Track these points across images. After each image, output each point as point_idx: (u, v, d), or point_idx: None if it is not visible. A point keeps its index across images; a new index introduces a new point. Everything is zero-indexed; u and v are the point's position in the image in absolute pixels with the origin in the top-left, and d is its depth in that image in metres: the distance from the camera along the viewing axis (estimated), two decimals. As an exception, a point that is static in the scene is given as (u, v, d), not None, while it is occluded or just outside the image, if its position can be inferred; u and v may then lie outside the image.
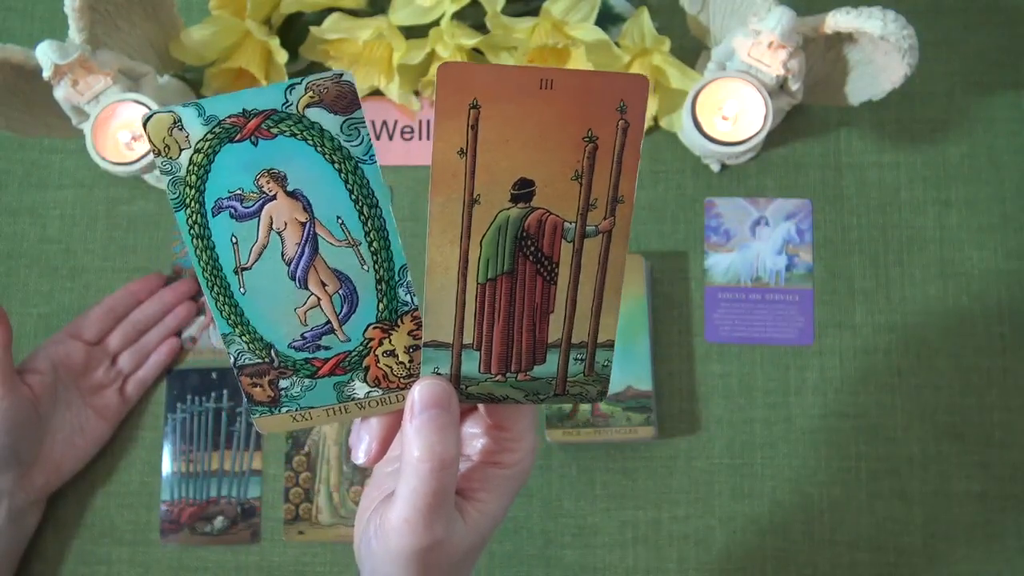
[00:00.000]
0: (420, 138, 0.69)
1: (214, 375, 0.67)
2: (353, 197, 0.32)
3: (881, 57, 0.57)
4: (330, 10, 0.66)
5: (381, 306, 0.34)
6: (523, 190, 0.32)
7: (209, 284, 0.33)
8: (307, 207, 0.32)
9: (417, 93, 0.69)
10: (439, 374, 0.34)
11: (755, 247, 0.66)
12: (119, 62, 0.61)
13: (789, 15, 0.55)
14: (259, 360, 0.34)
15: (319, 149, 0.31)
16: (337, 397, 0.35)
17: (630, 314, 0.62)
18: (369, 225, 0.32)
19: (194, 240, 0.32)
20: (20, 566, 0.63)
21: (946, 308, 0.65)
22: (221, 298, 0.33)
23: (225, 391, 0.66)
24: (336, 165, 0.32)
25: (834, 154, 0.67)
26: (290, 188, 0.32)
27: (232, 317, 0.33)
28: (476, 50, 0.66)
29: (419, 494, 0.33)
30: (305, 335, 0.34)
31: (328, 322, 0.33)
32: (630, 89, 0.31)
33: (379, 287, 0.33)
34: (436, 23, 0.65)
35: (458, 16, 0.65)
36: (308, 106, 0.31)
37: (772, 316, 0.65)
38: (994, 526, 0.62)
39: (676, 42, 0.65)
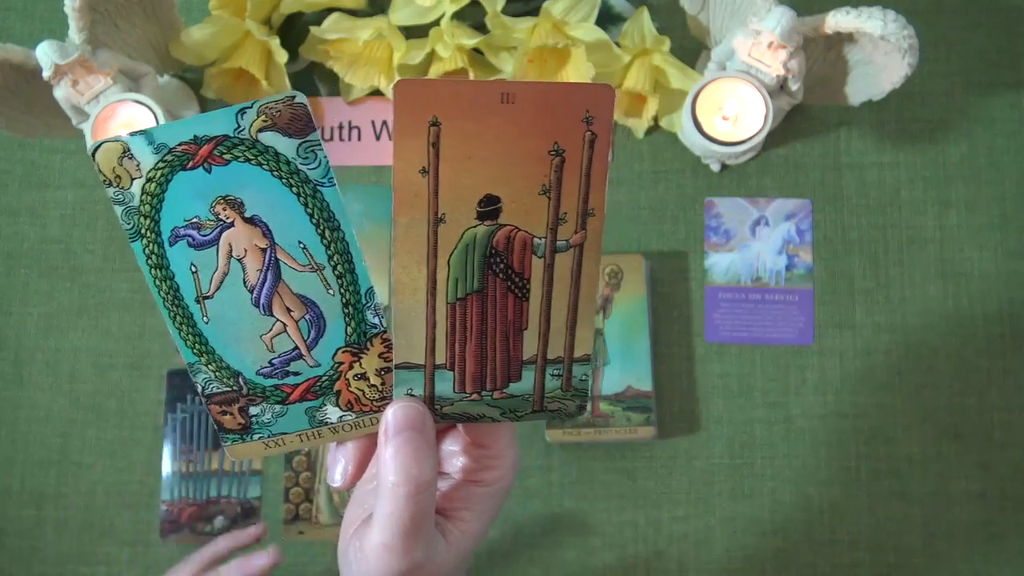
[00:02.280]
0: (420, 138, 0.69)
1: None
2: (314, 221, 0.31)
3: (881, 57, 0.57)
4: (330, 10, 0.66)
5: (349, 329, 0.33)
6: (489, 207, 0.31)
7: (171, 314, 0.32)
8: (267, 233, 0.31)
9: (417, 93, 0.69)
10: (412, 395, 0.34)
11: (755, 247, 0.66)
12: (119, 62, 0.61)
13: (789, 15, 0.55)
14: (227, 388, 0.33)
15: (275, 174, 0.31)
16: (309, 422, 0.34)
17: (630, 314, 0.62)
18: (332, 249, 0.32)
19: (152, 270, 0.31)
20: (20, 566, 0.63)
21: (946, 308, 0.65)
22: (184, 328, 0.32)
23: None
24: (294, 189, 0.31)
25: (834, 154, 0.67)
26: (248, 214, 0.31)
27: (197, 346, 0.32)
28: (476, 50, 0.66)
29: (396, 518, 0.32)
30: (273, 362, 0.33)
31: (295, 348, 0.33)
32: (595, 99, 0.30)
33: (346, 311, 0.33)
34: (436, 23, 0.65)
35: (458, 16, 0.65)
36: (261, 130, 0.30)
37: (772, 316, 0.65)
38: (994, 526, 0.62)
39: (676, 42, 0.65)
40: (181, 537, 0.65)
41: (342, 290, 0.33)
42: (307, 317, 0.33)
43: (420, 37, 0.66)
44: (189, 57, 0.66)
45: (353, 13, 0.67)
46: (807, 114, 0.67)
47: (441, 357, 0.33)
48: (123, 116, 0.61)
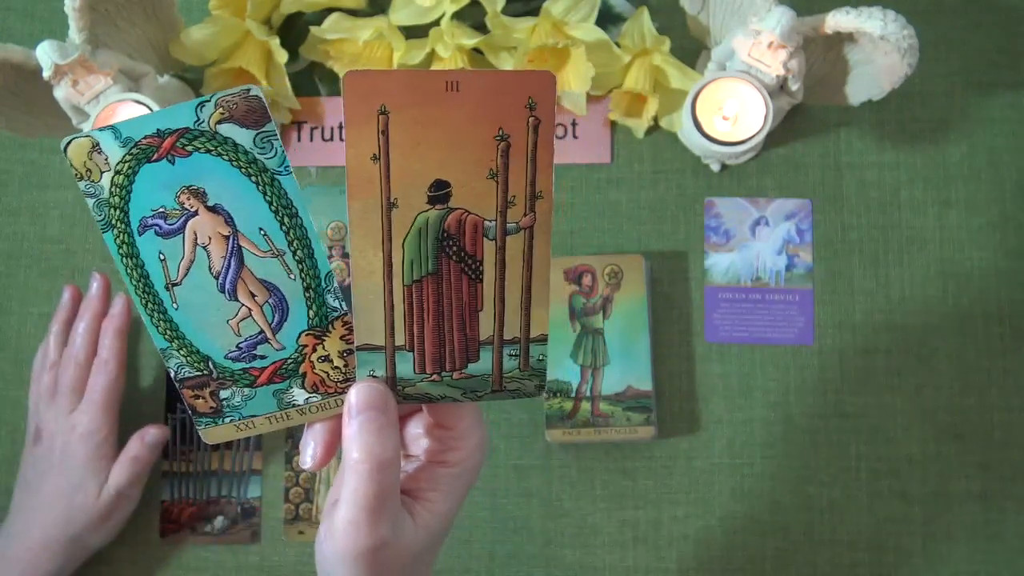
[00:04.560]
0: (420, 138, 0.69)
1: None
2: (273, 208, 0.33)
3: (881, 57, 0.57)
4: (330, 10, 0.66)
5: (311, 313, 0.34)
6: (439, 191, 0.33)
7: (143, 301, 0.33)
8: (229, 220, 0.33)
9: (417, 93, 0.69)
10: (375, 377, 0.35)
11: (755, 247, 0.66)
12: (119, 62, 0.61)
13: (789, 15, 0.55)
14: (198, 372, 0.35)
15: (235, 164, 0.32)
16: (278, 404, 0.36)
17: (630, 314, 0.62)
18: (291, 235, 0.33)
19: (124, 259, 0.33)
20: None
21: (946, 308, 0.65)
22: (156, 314, 0.34)
23: None
24: (253, 178, 0.32)
25: (834, 154, 0.67)
26: (211, 203, 0.32)
27: (168, 332, 0.34)
28: (476, 50, 0.66)
29: (360, 495, 0.33)
30: (240, 346, 0.34)
31: (261, 332, 0.34)
32: (537, 86, 0.31)
33: (307, 295, 0.34)
34: (436, 23, 0.65)
35: (458, 16, 0.65)
36: (219, 122, 0.32)
37: (772, 316, 0.65)
38: (994, 526, 0.62)
39: (676, 42, 0.65)
40: (181, 537, 0.65)
41: (302, 275, 0.34)
42: (270, 301, 0.34)
43: (420, 37, 0.66)
44: (189, 57, 0.66)
45: (353, 13, 0.67)
46: (807, 114, 0.67)
47: (401, 339, 0.35)
48: (123, 116, 0.61)
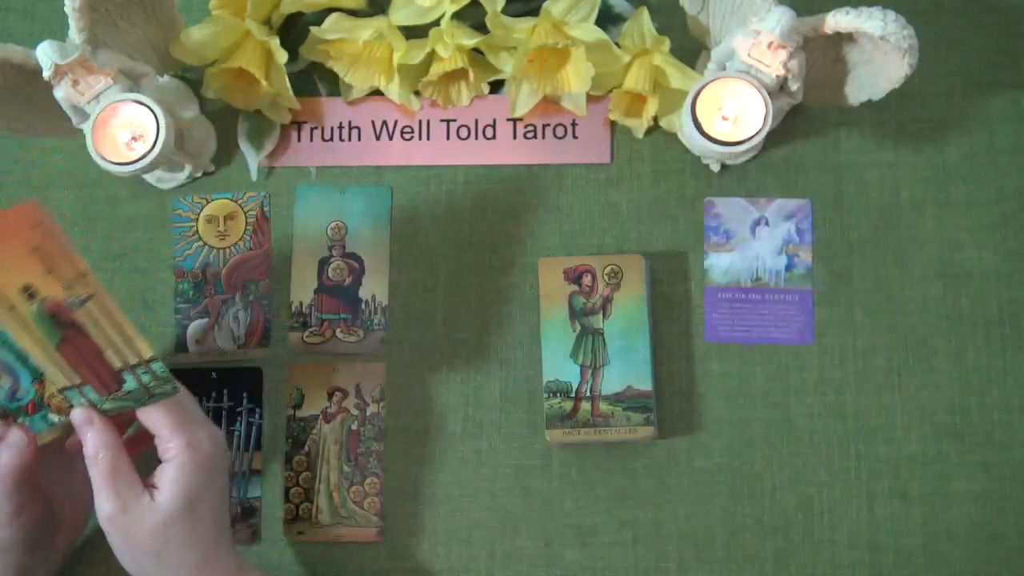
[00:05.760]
0: (420, 138, 0.69)
1: (214, 375, 0.67)
2: None
3: (881, 57, 0.57)
4: (330, 10, 0.66)
5: (31, 370, 0.56)
6: (28, 292, 0.48)
7: None
8: None
9: (417, 93, 0.69)
10: (82, 404, 0.53)
11: (755, 247, 0.66)
12: (119, 62, 0.61)
13: (789, 15, 0.55)
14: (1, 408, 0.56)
15: None
16: (47, 423, 0.56)
17: (630, 314, 0.62)
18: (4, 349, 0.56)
19: None
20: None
21: (946, 308, 0.65)
22: None
23: (225, 391, 0.66)
24: None
25: (834, 154, 0.67)
26: None
27: None
28: (476, 50, 0.66)
29: (98, 473, 0.52)
30: (8, 395, 0.56)
31: (12, 385, 0.57)
32: (22, 220, 0.47)
33: (24, 363, 0.56)
34: (436, 23, 0.65)
35: (458, 16, 0.65)
36: None
37: (772, 316, 0.65)
38: (994, 526, 0.62)
39: (676, 42, 0.65)
40: (181, 537, 0.65)
41: (15, 355, 0.57)
42: (7, 371, 0.57)
43: (420, 37, 0.66)
44: (189, 57, 0.66)
45: (353, 13, 0.67)
46: (807, 114, 0.67)
47: (77, 379, 0.52)
48: (123, 116, 0.61)
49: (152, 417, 0.53)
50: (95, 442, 0.52)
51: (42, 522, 0.57)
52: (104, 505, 0.52)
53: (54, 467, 0.59)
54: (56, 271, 0.49)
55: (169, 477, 0.52)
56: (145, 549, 0.52)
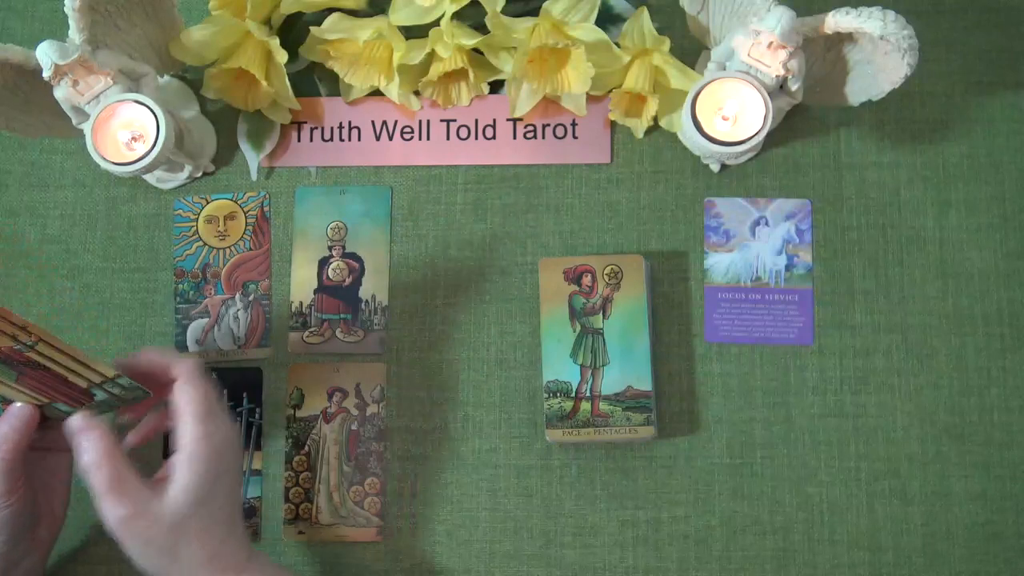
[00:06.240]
0: (420, 138, 0.69)
1: (214, 375, 0.67)
2: None
3: (881, 57, 0.57)
4: (330, 10, 0.66)
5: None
6: None
7: None
8: None
9: (417, 93, 0.69)
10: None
11: (755, 247, 0.66)
12: (119, 62, 0.61)
13: (789, 15, 0.55)
14: None
15: None
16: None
17: (630, 314, 0.62)
18: None
19: None
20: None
21: (946, 308, 0.65)
22: None
23: (224, 391, 0.66)
24: None
25: (834, 154, 0.67)
26: None
27: None
28: (476, 50, 0.66)
29: (102, 480, 0.51)
30: None
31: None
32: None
33: None
34: (436, 23, 0.65)
35: (458, 16, 0.65)
36: None
37: (772, 316, 0.65)
38: (994, 526, 0.62)
39: (676, 42, 0.65)
40: (181, 537, 0.65)
41: None
42: None
43: (420, 37, 0.66)
44: (189, 57, 0.66)
45: (353, 13, 0.67)
46: (807, 114, 0.67)
47: (45, 399, 0.52)
48: (123, 116, 0.61)
49: (184, 399, 0.53)
50: (95, 449, 0.52)
51: (26, 511, 0.56)
52: (113, 512, 0.51)
53: (28, 460, 0.58)
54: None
55: (181, 470, 0.52)
56: (159, 546, 0.52)
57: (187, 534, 0.52)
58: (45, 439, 0.57)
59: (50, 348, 0.50)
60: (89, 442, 0.52)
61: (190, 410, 0.53)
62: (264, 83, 0.65)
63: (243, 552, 0.56)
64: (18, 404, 0.53)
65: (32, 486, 0.57)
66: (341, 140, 0.69)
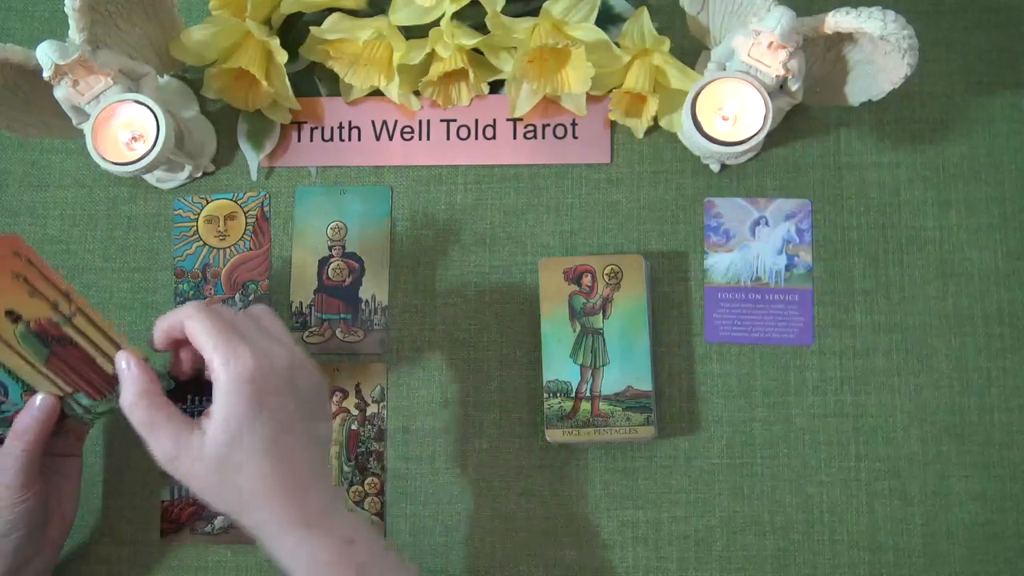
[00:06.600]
0: (420, 138, 0.69)
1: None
2: None
3: (881, 57, 0.57)
4: (330, 10, 0.66)
5: (20, 385, 0.54)
6: (12, 315, 0.50)
7: None
8: None
9: (417, 93, 0.69)
10: (78, 411, 0.56)
11: (755, 247, 0.66)
12: (119, 62, 0.61)
13: (789, 15, 0.55)
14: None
15: None
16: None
17: (630, 314, 0.62)
18: None
19: None
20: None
21: (946, 308, 0.65)
22: None
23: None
24: None
25: (834, 154, 0.67)
26: None
27: None
28: (476, 50, 0.66)
29: (139, 421, 0.50)
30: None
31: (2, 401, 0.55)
32: (2, 251, 0.48)
33: (11, 377, 0.53)
34: (436, 23, 0.65)
35: (458, 16, 0.65)
36: None
37: (772, 316, 0.65)
38: (994, 526, 0.62)
39: (676, 42, 0.65)
40: (181, 537, 0.65)
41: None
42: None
43: (420, 37, 0.66)
44: (189, 57, 0.66)
45: (353, 13, 0.67)
46: (807, 114, 0.67)
47: (69, 389, 0.54)
48: (123, 116, 0.61)
49: (194, 338, 0.50)
50: (132, 389, 0.50)
51: (40, 507, 0.57)
52: (156, 453, 0.50)
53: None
54: (40, 294, 0.50)
55: (215, 405, 0.49)
56: (213, 485, 0.49)
57: (238, 470, 0.49)
58: (58, 445, 0.58)
59: (86, 322, 0.50)
60: (129, 381, 0.51)
61: (200, 343, 0.50)
62: (264, 83, 0.65)
63: (320, 501, 0.50)
64: (40, 396, 0.54)
65: (46, 485, 0.58)
66: (341, 140, 0.69)
